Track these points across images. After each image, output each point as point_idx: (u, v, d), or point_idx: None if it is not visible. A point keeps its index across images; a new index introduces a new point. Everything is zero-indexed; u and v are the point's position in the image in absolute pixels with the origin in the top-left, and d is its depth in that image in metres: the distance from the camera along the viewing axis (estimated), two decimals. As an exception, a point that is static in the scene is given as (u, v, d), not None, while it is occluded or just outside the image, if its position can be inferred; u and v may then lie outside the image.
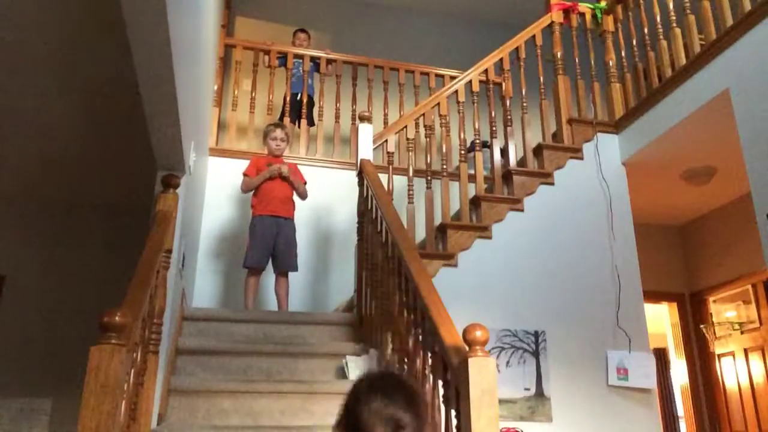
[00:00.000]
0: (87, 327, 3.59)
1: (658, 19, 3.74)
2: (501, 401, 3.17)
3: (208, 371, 2.75)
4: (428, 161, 3.67)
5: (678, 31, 3.56)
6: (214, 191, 4.18)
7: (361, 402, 1.08)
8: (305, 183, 3.83)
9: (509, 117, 3.89)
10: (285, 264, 3.63)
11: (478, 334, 1.65)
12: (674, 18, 3.61)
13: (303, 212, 4.27)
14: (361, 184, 3.48)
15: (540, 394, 3.29)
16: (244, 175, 3.72)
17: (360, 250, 3.40)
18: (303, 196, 3.81)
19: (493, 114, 3.84)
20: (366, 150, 3.46)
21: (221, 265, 4.11)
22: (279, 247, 3.61)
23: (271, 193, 3.67)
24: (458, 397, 1.70)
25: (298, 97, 4.58)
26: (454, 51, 5.55)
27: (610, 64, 4.11)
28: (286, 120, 4.51)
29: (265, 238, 3.58)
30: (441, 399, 1.90)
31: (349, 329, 3.24)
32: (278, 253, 3.61)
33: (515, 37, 4.01)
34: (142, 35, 1.74)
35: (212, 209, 4.15)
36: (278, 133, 3.80)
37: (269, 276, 3.87)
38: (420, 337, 2.23)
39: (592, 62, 4.09)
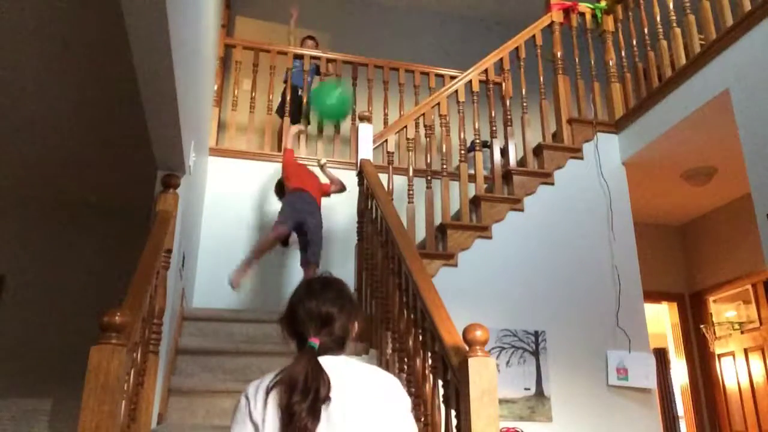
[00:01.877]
0: (87, 327, 3.59)
1: (658, 19, 3.74)
2: (501, 401, 3.18)
3: (208, 371, 2.75)
4: (428, 161, 3.67)
5: (678, 31, 3.56)
6: (214, 191, 4.18)
7: (298, 301, 1.35)
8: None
9: (509, 117, 3.89)
10: (312, 254, 3.45)
11: (478, 333, 1.65)
12: (674, 18, 3.61)
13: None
14: (361, 183, 3.48)
15: (540, 394, 3.29)
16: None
17: (360, 250, 3.40)
18: (341, 187, 3.80)
19: (493, 114, 3.84)
20: (366, 150, 3.46)
21: (221, 265, 4.10)
22: (310, 227, 3.44)
23: (304, 183, 3.59)
24: (458, 396, 1.70)
25: (299, 92, 4.55)
26: (454, 51, 5.55)
27: (610, 64, 4.11)
28: (287, 120, 4.49)
29: (298, 210, 3.43)
30: (441, 399, 1.90)
31: (349, 329, 3.23)
32: (309, 235, 3.44)
33: (515, 37, 4.01)
34: (142, 35, 1.74)
35: (212, 209, 4.14)
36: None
37: (269, 275, 3.88)
38: (420, 337, 2.23)
39: (592, 62, 4.09)
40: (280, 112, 4.50)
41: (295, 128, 3.88)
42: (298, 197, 3.52)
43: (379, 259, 2.93)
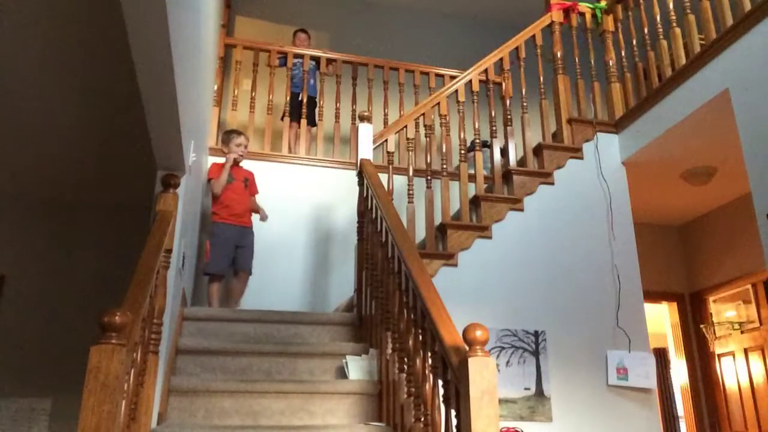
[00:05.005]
0: (87, 327, 3.58)
1: (658, 19, 3.74)
2: (501, 401, 3.18)
3: (208, 371, 2.75)
4: (428, 161, 3.67)
5: (678, 31, 3.57)
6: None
7: None
8: (257, 193, 3.95)
9: (509, 117, 3.89)
10: (245, 265, 3.74)
11: (478, 333, 1.65)
12: (674, 18, 3.61)
13: (303, 212, 4.27)
14: (361, 183, 3.48)
15: (540, 394, 3.29)
16: (210, 179, 3.73)
17: (360, 250, 3.40)
18: (255, 211, 3.91)
19: (493, 114, 3.84)
20: (366, 150, 3.46)
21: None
22: (240, 253, 3.71)
23: (233, 203, 3.72)
24: (458, 396, 1.70)
25: (299, 97, 4.58)
26: (454, 51, 5.55)
27: (610, 63, 4.11)
28: (286, 120, 4.51)
29: (229, 246, 3.65)
30: (441, 399, 1.90)
31: (349, 329, 3.24)
32: (239, 257, 3.71)
33: (515, 37, 4.01)
34: (142, 35, 1.73)
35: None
36: (242, 139, 3.87)
37: (268, 276, 3.88)
38: (420, 337, 2.23)
39: (592, 62, 4.09)
40: (296, 115, 4.53)
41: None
42: (225, 230, 3.68)
43: (379, 259, 2.93)
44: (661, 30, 3.72)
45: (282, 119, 4.57)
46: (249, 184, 3.86)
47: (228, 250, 3.64)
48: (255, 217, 3.91)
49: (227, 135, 3.89)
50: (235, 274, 3.76)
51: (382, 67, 4.75)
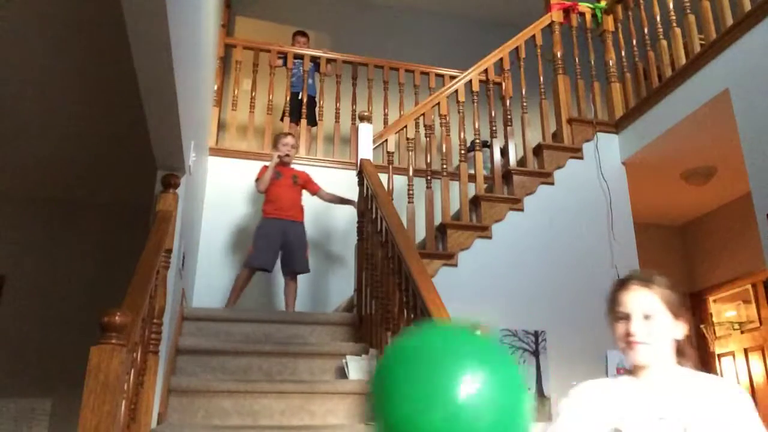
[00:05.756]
0: (87, 327, 3.59)
1: (658, 19, 3.74)
2: (501, 401, 3.17)
3: (208, 371, 2.75)
4: (428, 161, 3.67)
5: (678, 31, 3.56)
6: (214, 191, 4.18)
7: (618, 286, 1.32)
8: (317, 191, 3.92)
9: (509, 117, 3.89)
10: (295, 265, 3.65)
11: (478, 334, 1.64)
12: (674, 18, 3.61)
13: (304, 212, 4.27)
14: (361, 183, 3.48)
15: (540, 394, 3.29)
16: (257, 180, 3.78)
17: (360, 250, 3.40)
18: (328, 198, 3.93)
19: (493, 114, 3.84)
20: (366, 150, 3.46)
21: (221, 264, 4.11)
22: (288, 248, 3.64)
23: (279, 197, 3.71)
24: (458, 397, 1.70)
25: (299, 97, 4.58)
26: (454, 51, 5.55)
27: (610, 63, 4.11)
28: (286, 120, 4.51)
29: (272, 240, 3.60)
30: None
31: (349, 329, 3.24)
32: (288, 254, 3.64)
33: (515, 37, 4.01)
34: (142, 35, 1.74)
35: (212, 209, 4.14)
36: (290, 139, 3.89)
37: (273, 276, 3.88)
38: (420, 337, 2.22)
39: (592, 62, 4.09)
40: (296, 115, 4.53)
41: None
42: (267, 225, 3.66)
43: (379, 259, 2.93)
44: (661, 30, 3.72)
45: (282, 119, 4.57)
46: (300, 181, 3.85)
47: (269, 244, 3.59)
48: (312, 214, 3.98)
49: (277, 137, 3.93)
50: (285, 280, 3.70)
51: (382, 67, 4.75)
